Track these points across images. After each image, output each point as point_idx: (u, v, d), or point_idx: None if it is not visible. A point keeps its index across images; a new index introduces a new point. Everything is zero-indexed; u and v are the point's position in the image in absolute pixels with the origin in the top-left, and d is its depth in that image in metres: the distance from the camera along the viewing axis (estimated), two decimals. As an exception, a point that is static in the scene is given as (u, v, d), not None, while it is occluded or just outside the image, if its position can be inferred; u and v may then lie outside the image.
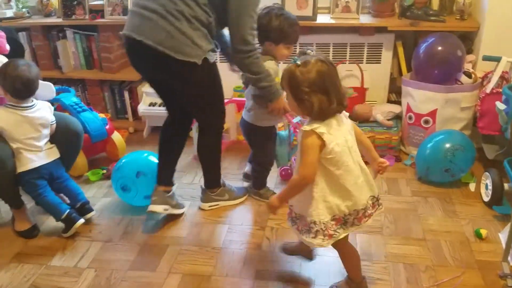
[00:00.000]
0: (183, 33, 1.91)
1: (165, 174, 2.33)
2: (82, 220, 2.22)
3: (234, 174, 2.77)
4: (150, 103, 3.20)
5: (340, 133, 1.55)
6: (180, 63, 1.94)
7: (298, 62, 1.51)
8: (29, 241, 2.23)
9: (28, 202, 2.33)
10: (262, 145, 2.40)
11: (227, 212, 2.41)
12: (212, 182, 2.43)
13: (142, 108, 3.20)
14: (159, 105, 3.15)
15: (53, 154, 2.27)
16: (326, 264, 2.00)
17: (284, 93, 1.92)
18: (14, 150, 2.13)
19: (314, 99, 1.48)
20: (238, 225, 2.30)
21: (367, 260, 2.01)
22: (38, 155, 2.19)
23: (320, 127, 1.51)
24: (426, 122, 2.75)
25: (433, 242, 2.12)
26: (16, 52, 2.31)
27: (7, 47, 2.21)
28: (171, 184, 2.36)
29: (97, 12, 3.19)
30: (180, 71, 1.99)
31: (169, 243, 2.17)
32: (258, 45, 2.08)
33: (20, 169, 2.15)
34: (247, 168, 2.64)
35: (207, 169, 2.41)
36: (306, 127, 1.53)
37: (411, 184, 2.61)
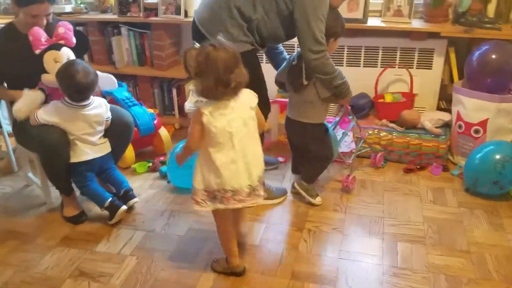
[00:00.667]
0: (219, 19, 2.14)
1: None
2: (124, 207, 2.30)
3: (273, 174, 2.78)
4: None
5: (226, 117, 1.67)
6: None
7: (196, 46, 1.65)
8: (76, 227, 2.32)
9: (77, 190, 2.43)
10: (321, 140, 2.42)
11: (266, 211, 2.42)
12: None
13: (188, 105, 3.25)
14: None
15: (106, 148, 2.34)
16: (364, 270, 1.98)
17: None
18: (70, 141, 2.22)
19: (200, 80, 1.64)
20: (276, 225, 2.31)
21: (408, 269, 1.97)
22: (93, 148, 2.27)
23: (207, 108, 1.67)
24: (476, 131, 2.66)
25: (478, 255, 2.05)
26: (82, 45, 2.38)
27: (74, 40, 2.27)
28: None
29: (151, 10, 3.29)
30: None
31: (208, 237, 2.21)
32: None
33: (74, 159, 2.23)
34: (295, 179, 2.60)
35: None
36: (200, 104, 1.70)
37: (458, 195, 2.53)
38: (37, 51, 2.16)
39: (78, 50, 2.31)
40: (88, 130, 2.23)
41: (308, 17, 2.05)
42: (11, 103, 2.30)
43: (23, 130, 2.26)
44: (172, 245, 2.17)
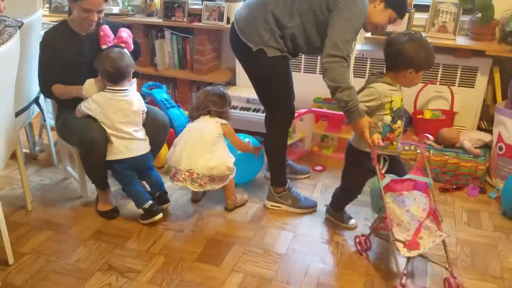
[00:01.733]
0: (253, 21, 2.16)
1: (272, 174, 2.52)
2: (161, 215, 2.35)
3: (304, 183, 2.77)
4: (231, 106, 3.29)
5: (192, 125, 2.45)
6: (242, 43, 2.20)
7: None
8: (108, 222, 2.38)
9: (113, 186, 2.50)
10: (348, 168, 2.25)
11: (294, 220, 2.42)
12: (276, 181, 2.48)
13: (224, 110, 3.32)
14: (239, 109, 3.25)
15: (145, 147, 2.38)
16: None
17: (363, 119, 1.98)
18: (108, 138, 2.29)
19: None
20: (303, 235, 2.30)
21: (436, 291, 1.91)
22: (129, 147, 2.30)
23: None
24: (518, 154, 2.57)
25: (511, 282, 1.97)
26: (136, 51, 2.49)
27: (132, 46, 2.40)
28: (279, 184, 2.50)
29: (195, 16, 3.36)
30: (241, 50, 2.24)
31: (235, 242, 2.22)
32: (349, 58, 2.03)
33: (109, 157, 2.29)
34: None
35: (270, 164, 2.49)
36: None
37: (494, 218, 2.45)
38: (104, 47, 2.30)
39: (132, 55, 2.41)
40: (123, 119, 2.28)
41: (337, 25, 2.01)
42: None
43: (66, 125, 2.35)
44: (199, 246, 2.19)
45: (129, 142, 2.30)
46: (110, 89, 2.27)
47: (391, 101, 1.99)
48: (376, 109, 2.02)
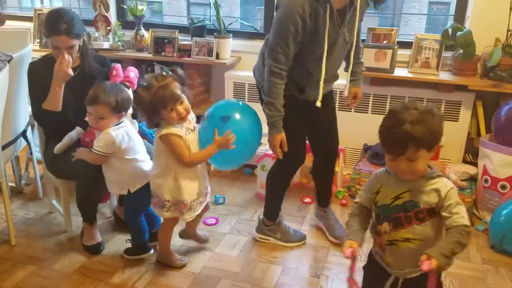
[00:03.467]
0: (261, 64, 2.16)
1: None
2: (151, 252, 2.32)
3: (292, 215, 2.77)
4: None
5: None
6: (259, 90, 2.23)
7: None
8: (93, 257, 2.34)
9: (99, 219, 2.47)
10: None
11: (283, 253, 2.39)
12: (267, 213, 2.47)
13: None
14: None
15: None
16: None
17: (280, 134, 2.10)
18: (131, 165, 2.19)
19: None
20: (292, 269, 2.27)
21: (425, 325, 1.88)
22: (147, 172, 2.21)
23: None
24: (503, 187, 2.60)
25: (501, 316, 1.96)
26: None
27: (136, 86, 2.43)
28: (271, 218, 2.48)
29: (185, 51, 3.42)
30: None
31: (223, 276, 2.19)
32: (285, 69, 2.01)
33: (136, 187, 2.21)
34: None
35: (267, 196, 2.46)
36: None
37: (482, 251, 2.45)
38: None
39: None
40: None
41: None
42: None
43: (59, 159, 2.32)
44: (186, 282, 2.15)
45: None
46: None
47: (377, 192, 1.54)
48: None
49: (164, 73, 1.94)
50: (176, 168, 2.03)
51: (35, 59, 2.43)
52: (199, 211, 2.17)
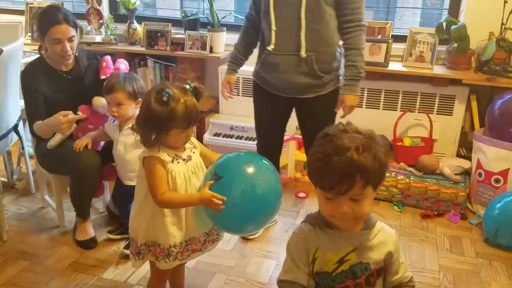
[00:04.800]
0: None
1: None
2: None
3: (287, 210, 2.76)
4: (215, 133, 3.31)
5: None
6: None
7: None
8: (86, 252, 2.32)
9: (92, 214, 2.45)
10: None
11: (278, 247, 2.39)
12: None
13: (207, 137, 3.31)
14: (222, 136, 3.26)
15: None
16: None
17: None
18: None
19: None
20: (287, 263, 2.27)
21: (419, 318, 1.89)
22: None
23: None
24: (497, 181, 2.61)
25: (495, 309, 1.97)
26: None
27: None
28: None
29: (178, 45, 3.39)
30: None
31: (217, 271, 2.18)
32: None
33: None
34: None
35: None
36: None
37: (476, 245, 2.45)
38: (103, 77, 2.32)
39: None
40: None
41: None
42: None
43: (52, 153, 2.29)
44: (180, 276, 2.14)
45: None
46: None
47: (313, 261, 1.16)
48: None
49: (188, 87, 1.57)
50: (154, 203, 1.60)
51: (28, 63, 2.38)
52: (185, 260, 1.72)
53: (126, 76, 2.17)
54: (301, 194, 2.95)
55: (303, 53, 2.04)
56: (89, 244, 2.36)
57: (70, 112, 2.21)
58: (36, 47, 3.35)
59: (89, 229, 2.40)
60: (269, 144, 2.44)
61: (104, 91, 2.14)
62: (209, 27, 3.35)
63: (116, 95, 2.11)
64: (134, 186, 1.70)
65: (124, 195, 2.25)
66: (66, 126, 2.18)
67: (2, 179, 2.92)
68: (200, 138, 3.47)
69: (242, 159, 1.61)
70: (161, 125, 1.51)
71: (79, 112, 2.27)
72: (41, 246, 2.36)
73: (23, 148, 2.86)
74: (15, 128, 2.61)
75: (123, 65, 2.43)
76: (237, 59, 2.34)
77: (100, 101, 2.32)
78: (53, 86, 2.31)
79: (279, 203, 1.64)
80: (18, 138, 2.69)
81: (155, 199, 1.56)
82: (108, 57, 2.39)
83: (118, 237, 2.39)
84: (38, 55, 2.41)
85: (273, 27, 2.05)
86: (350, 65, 2.09)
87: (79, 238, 2.38)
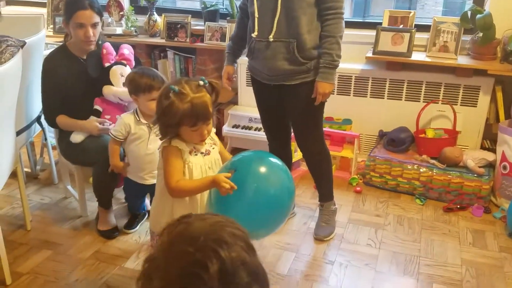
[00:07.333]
0: None
1: None
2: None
3: (306, 203, 2.75)
4: (233, 125, 3.30)
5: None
6: None
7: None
8: (108, 242, 2.35)
9: (114, 205, 2.48)
10: None
11: (297, 240, 2.38)
12: None
13: (226, 128, 3.31)
14: (241, 127, 3.25)
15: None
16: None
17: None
18: None
19: None
20: (305, 255, 2.26)
21: (441, 312, 1.87)
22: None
23: None
24: (523, 174, 2.55)
25: (519, 305, 1.93)
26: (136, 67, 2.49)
27: (133, 63, 2.43)
28: None
29: (198, 36, 3.38)
30: None
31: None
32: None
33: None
34: None
35: None
36: None
37: (500, 239, 2.40)
38: (107, 64, 2.32)
39: None
40: None
41: None
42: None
43: (75, 144, 2.32)
44: (199, 267, 2.15)
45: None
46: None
47: None
48: None
49: (201, 82, 1.58)
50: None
51: (51, 48, 2.43)
52: None
53: (151, 72, 2.13)
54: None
55: (270, 38, 2.08)
56: (111, 233, 2.39)
57: (106, 120, 2.32)
58: (58, 39, 3.41)
59: (111, 219, 2.43)
60: (275, 134, 2.45)
61: (141, 91, 2.09)
62: (228, 18, 3.34)
63: (154, 94, 2.02)
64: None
65: (133, 187, 2.30)
66: (99, 133, 2.29)
67: (26, 169, 2.97)
68: (219, 130, 3.47)
69: (256, 158, 1.66)
70: (169, 120, 1.55)
71: (109, 122, 2.33)
72: (63, 235, 2.40)
73: (46, 139, 2.92)
74: (38, 119, 2.65)
75: (126, 50, 2.41)
76: (234, 49, 2.36)
77: (110, 90, 2.33)
78: (72, 72, 2.32)
79: (291, 201, 1.67)
80: (41, 129, 2.74)
81: (169, 188, 1.58)
82: (107, 44, 2.37)
83: (135, 230, 2.43)
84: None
85: (256, 14, 2.10)
86: (325, 52, 2.08)
87: (101, 228, 2.41)
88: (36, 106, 2.58)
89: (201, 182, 1.60)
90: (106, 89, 2.34)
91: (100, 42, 2.39)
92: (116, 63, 2.35)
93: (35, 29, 2.63)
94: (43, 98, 2.38)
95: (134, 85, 2.10)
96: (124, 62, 2.37)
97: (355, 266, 2.17)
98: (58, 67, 2.32)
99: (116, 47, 2.42)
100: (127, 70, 2.35)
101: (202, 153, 1.65)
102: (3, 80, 1.90)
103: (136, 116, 2.17)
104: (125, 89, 2.23)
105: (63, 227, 2.48)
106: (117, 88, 2.33)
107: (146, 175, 2.23)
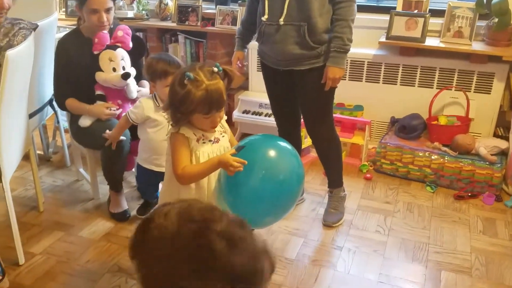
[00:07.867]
0: None
1: None
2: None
3: (316, 189, 2.75)
4: (244, 111, 3.29)
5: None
6: None
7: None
8: (119, 224, 2.38)
9: (125, 188, 2.51)
10: None
11: (305, 225, 2.39)
12: None
13: (236, 114, 3.30)
14: (251, 113, 3.25)
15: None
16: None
17: None
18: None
19: None
20: (314, 240, 2.27)
21: (449, 299, 1.87)
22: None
23: None
24: (536, 162, 2.52)
25: (528, 293, 1.92)
26: (138, 50, 2.48)
27: (130, 44, 2.39)
28: None
29: (209, 20, 3.37)
30: None
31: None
32: None
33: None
34: None
35: None
36: None
37: (510, 227, 2.39)
38: (95, 52, 2.30)
39: (135, 54, 2.41)
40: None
41: None
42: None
43: (83, 128, 2.35)
44: (209, 250, 2.18)
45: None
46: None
47: None
48: None
49: (216, 69, 1.56)
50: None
51: (64, 31, 2.43)
52: None
53: (166, 57, 2.11)
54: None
55: (281, 21, 2.05)
56: (123, 216, 2.42)
57: (113, 105, 2.34)
58: (70, 23, 3.41)
59: (122, 202, 2.45)
60: (285, 119, 2.44)
61: (157, 77, 2.07)
62: (240, 1, 3.31)
63: (170, 79, 1.95)
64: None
65: (147, 175, 2.30)
66: (106, 118, 2.32)
67: (38, 152, 3.01)
68: (229, 116, 3.47)
69: (265, 141, 1.67)
70: (182, 107, 1.53)
71: (116, 108, 2.36)
72: (75, 217, 2.44)
73: (58, 122, 2.94)
74: (50, 102, 2.67)
75: (120, 31, 2.34)
76: (244, 34, 2.32)
77: (100, 76, 2.32)
78: (85, 56, 2.32)
79: (301, 187, 1.67)
80: (53, 112, 2.76)
81: (177, 175, 1.58)
82: (102, 33, 2.30)
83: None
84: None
85: None
86: (335, 36, 2.05)
87: (112, 210, 2.44)
88: (48, 88, 2.60)
89: (207, 164, 1.59)
90: (98, 76, 2.33)
91: (112, 26, 2.38)
92: (108, 47, 2.30)
93: (47, 12, 2.64)
94: (54, 80, 2.39)
95: (151, 71, 2.10)
96: (119, 44, 2.33)
97: (364, 252, 2.18)
98: (70, 50, 2.33)
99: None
100: (118, 52, 2.31)
101: (210, 141, 1.65)
102: (16, 63, 1.92)
103: (156, 101, 2.16)
104: (115, 74, 2.27)
105: (75, 209, 2.52)
106: (106, 74, 2.31)
107: (163, 162, 2.23)
